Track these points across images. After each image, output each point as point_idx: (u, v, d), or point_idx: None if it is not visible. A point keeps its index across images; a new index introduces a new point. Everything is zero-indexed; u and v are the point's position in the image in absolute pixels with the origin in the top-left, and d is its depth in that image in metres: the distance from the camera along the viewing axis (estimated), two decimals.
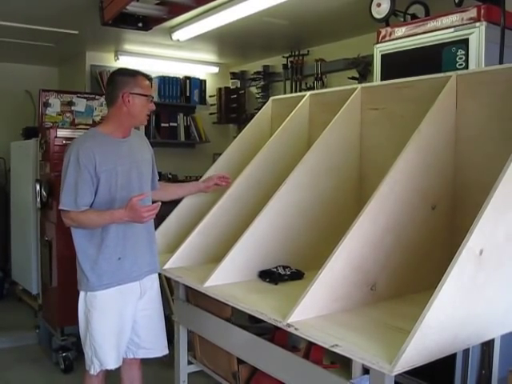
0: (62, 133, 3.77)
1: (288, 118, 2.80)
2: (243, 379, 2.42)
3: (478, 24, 2.63)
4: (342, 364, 2.27)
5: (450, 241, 2.14)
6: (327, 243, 1.99)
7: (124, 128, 2.38)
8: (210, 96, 5.96)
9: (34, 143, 4.25)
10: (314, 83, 4.87)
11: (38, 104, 4.34)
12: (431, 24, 2.85)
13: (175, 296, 2.75)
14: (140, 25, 3.93)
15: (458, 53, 2.69)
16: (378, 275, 1.95)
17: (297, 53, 5.10)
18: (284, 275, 2.27)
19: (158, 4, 3.72)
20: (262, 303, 1.96)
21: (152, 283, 2.50)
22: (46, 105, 4.28)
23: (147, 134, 5.39)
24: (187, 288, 2.58)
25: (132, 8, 3.61)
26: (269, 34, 4.63)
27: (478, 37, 2.62)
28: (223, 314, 2.36)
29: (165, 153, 5.44)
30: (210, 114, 5.96)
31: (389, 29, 3.07)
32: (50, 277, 3.78)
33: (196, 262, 2.54)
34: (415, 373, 1.53)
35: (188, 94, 5.75)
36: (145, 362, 2.61)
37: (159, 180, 2.72)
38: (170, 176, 5.36)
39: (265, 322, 1.86)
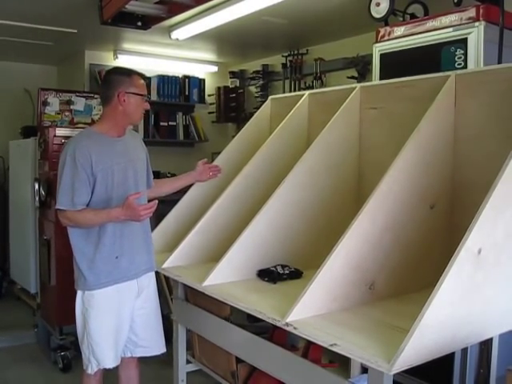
0: (60, 132, 3.78)
1: (287, 117, 2.80)
2: (242, 378, 2.42)
3: (476, 24, 2.63)
4: (340, 363, 2.28)
5: (448, 240, 2.14)
6: (326, 242, 1.99)
7: (119, 127, 2.38)
8: (209, 95, 5.97)
9: (33, 142, 4.25)
10: (313, 82, 4.87)
11: (37, 103, 4.34)
12: (430, 23, 2.85)
13: (174, 295, 2.75)
14: (139, 24, 3.93)
15: (457, 52, 2.69)
16: (377, 274, 1.95)
17: (296, 52, 5.10)
18: (283, 274, 2.27)
19: (157, 3, 3.72)
20: (260, 302, 1.96)
21: (149, 281, 2.50)
22: (45, 104, 4.28)
23: (146, 133, 5.40)
24: (186, 287, 2.58)
25: (131, 7, 3.61)
26: (268, 33, 4.62)
27: (476, 36, 2.62)
28: (222, 313, 2.36)
29: (164, 152, 5.46)
30: (209, 113, 5.96)
31: (388, 28, 3.07)
32: (49, 276, 3.78)
33: (195, 261, 2.54)
34: (414, 372, 1.53)
35: (187, 93, 5.76)
36: (143, 360, 2.61)
37: (157, 178, 2.72)
38: (168, 175, 5.36)
39: (263, 321, 1.86)
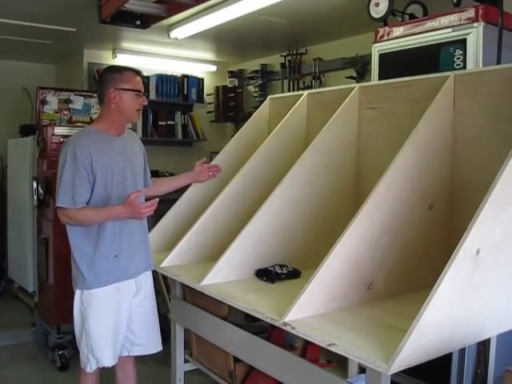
0: (59, 131, 3.77)
1: (286, 117, 2.80)
2: (239, 378, 2.42)
3: (475, 24, 2.63)
4: (338, 363, 2.27)
5: (447, 240, 2.14)
6: (324, 242, 1.99)
7: (116, 125, 2.37)
8: (208, 94, 5.96)
9: (31, 141, 4.25)
10: (311, 82, 4.87)
11: (36, 101, 4.34)
12: (429, 24, 2.85)
13: (172, 294, 2.75)
14: (138, 23, 3.92)
15: (456, 53, 2.69)
16: (375, 274, 1.95)
17: (295, 52, 5.10)
18: (281, 274, 2.27)
19: (156, 2, 3.72)
20: (258, 302, 1.96)
21: (146, 280, 2.50)
22: (44, 102, 4.28)
23: (144, 132, 5.40)
24: (184, 286, 2.58)
25: (130, 6, 3.60)
26: (267, 32, 4.62)
27: (475, 37, 2.62)
28: (220, 312, 2.36)
29: (162, 151, 5.46)
30: (208, 112, 5.96)
31: (387, 28, 3.07)
32: (47, 275, 3.77)
33: (193, 261, 2.54)
34: (411, 372, 1.53)
35: (186, 93, 5.75)
36: (141, 360, 2.61)
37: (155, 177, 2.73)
38: (167, 174, 5.35)
39: (261, 320, 1.86)
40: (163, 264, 2.49)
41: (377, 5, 3.15)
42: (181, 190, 2.86)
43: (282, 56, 5.21)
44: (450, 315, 1.53)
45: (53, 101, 4.32)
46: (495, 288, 1.69)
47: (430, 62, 2.78)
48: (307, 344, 2.23)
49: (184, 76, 5.75)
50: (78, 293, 2.36)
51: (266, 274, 2.27)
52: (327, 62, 4.79)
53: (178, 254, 2.52)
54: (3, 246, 5.23)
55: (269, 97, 3.26)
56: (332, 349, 1.55)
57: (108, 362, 2.38)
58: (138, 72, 2.39)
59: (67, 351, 3.61)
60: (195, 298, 2.52)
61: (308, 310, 1.78)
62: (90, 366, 2.37)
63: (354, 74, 4.39)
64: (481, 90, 2.12)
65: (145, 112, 5.32)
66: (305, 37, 4.78)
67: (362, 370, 1.67)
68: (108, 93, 2.30)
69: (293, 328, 1.70)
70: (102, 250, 2.30)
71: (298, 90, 4.98)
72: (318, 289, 1.79)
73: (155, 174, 4.46)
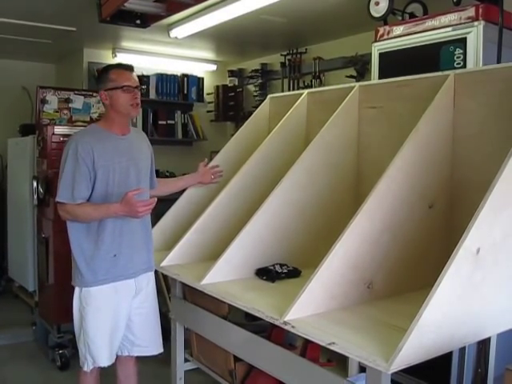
0: (59, 130, 3.77)
1: (286, 116, 2.80)
2: (240, 377, 2.42)
3: (476, 23, 2.63)
4: (338, 362, 2.28)
5: (446, 239, 2.14)
6: (324, 241, 1.99)
7: (117, 124, 2.37)
8: (208, 94, 5.96)
9: (31, 140, 4.25)
10: (311, 81, 4.87)
11: (36, 101, 4.33)
12: (429, 23, 2.85)
13: (172, 293, 2.75)
14: (138, 22, 3.92)
15: (456, 52, 2.69)
16: (375, 273, 1.95)
17: (295, 51, 5.10)
18: (281, 273, 2.27)
19: (156, 1, 3.71)
20: (258, 301, 1.96)
21: (148, 281, 2.49)
22: (44, 102, 4.27)
23: (145, 131, 5.35)
24: (184, 285, 2.58)
25: (130, 5, 3.60)
26: (267, 32, 4.62)
27: (475, 36, 2.62)
28: (220, 311, 2.36)
29: (162, 150, 5.42)
30: (208, 111, 5.96)
31: (387, 27, 3.07)
32: (47, 274, 3.77)
33: (193, 260, 2.54)
34: (412, 371, 1.53)
35: (186, 92, 5.75)
36: (141, 359, 2.61)
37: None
38: (167, 173, 5.36)
39: (262, 319, 1.86)
40: (163, 263, 2.49)
41: (377, 4, 3.15)
42: (181, 190, 2.87)
43: (281, 55, 5.21)
44: (450, 314, 1.53)
45: (53, 100, 4.31)
46: (495, 287, 1.68)
47: (430, 61, 2.78)
48: (307, 343, 2.24)
49: (184, 75, 5.75)
50: (77, 290, 2.36)
51: (266, 273, 2.27)
52: (327, 61, 4.79)
53: (178, 254, 2.52)
54: (3, 245, 5.22)
55: (269, 96, 3.26)
56: (332, 348, 1.55)
57: (104, 361, 2.38)
58: (126, 67, 2.37)
59: (67, 350, 3.61)
60: (195, 297, 2.52)
61: (308, 309, 1.78)
62: (87, 364, 2.37)
63: (354, 73, 4.39)
64: (481, 89, 2.12)
65: (145, 111, 5.32)
66: (305, 36, 4.78)
67: (362, 369, 1.67)
68: (100, 95, 2.34)
69: (293, 327, 1.70)
70: (102, 248, 2.30)
71: (297, 89, 4.98)
72: (318, 288, 1.79)
73: (155, 173, 4.45)
